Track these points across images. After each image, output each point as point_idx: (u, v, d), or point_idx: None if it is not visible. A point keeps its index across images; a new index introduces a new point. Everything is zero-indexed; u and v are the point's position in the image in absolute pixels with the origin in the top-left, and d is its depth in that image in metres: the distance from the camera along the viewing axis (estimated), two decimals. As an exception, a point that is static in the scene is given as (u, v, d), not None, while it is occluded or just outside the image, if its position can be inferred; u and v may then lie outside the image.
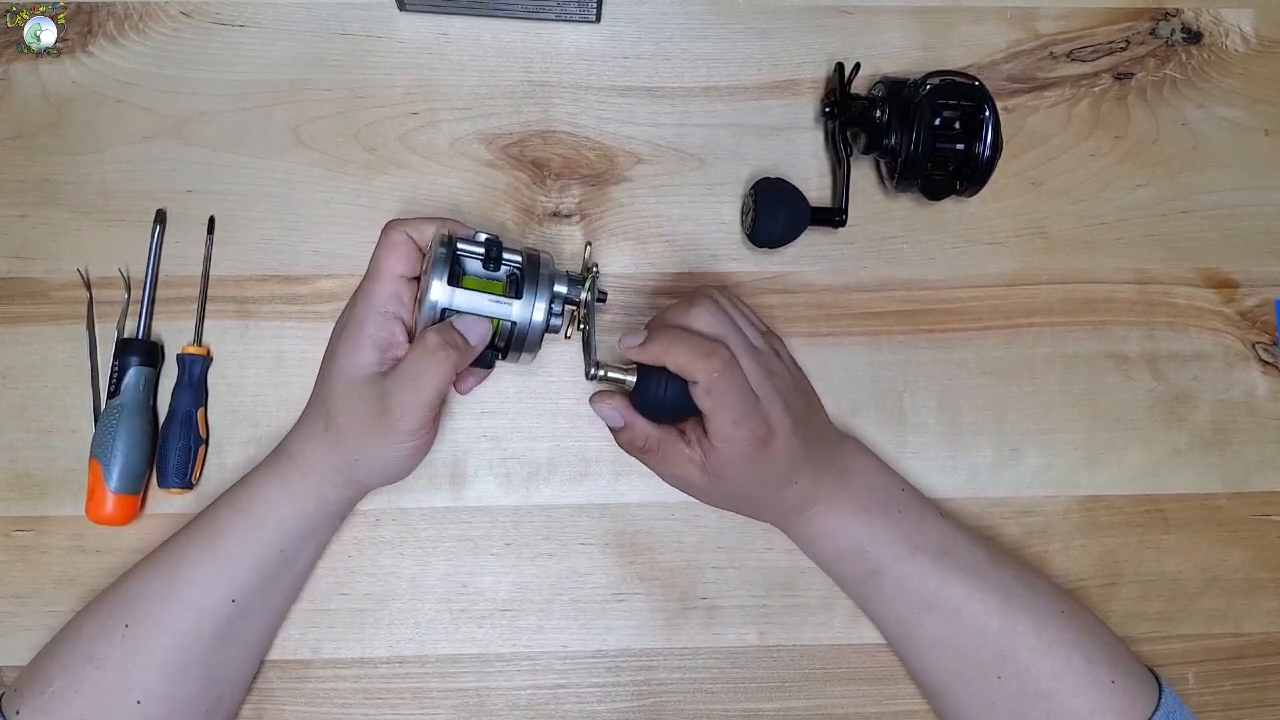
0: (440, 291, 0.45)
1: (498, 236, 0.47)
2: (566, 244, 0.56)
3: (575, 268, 0.51)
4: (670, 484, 0.50)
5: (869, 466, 0.52)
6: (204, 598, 0.46)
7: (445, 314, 0.46)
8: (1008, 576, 0.48)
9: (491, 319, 0.46)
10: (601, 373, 0.47)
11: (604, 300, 0.50)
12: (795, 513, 0.50)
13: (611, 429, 0.50)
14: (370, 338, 0.46)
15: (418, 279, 0.47)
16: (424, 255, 0.47)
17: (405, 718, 0.52)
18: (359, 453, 0.46)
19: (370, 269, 0.47)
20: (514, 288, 0.47)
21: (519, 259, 0.47)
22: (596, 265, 0.49)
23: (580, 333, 0.49)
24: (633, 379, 0.47)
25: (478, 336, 0.45)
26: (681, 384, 0.46)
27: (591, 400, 0.49)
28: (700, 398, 0.45)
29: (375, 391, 0.45)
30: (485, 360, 0.47)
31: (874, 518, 0.49)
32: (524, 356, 0.48)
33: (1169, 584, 0.55)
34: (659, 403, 0.47)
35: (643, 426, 0.48)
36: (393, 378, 0.45)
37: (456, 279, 0.46)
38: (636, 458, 0.50)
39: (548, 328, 0.47)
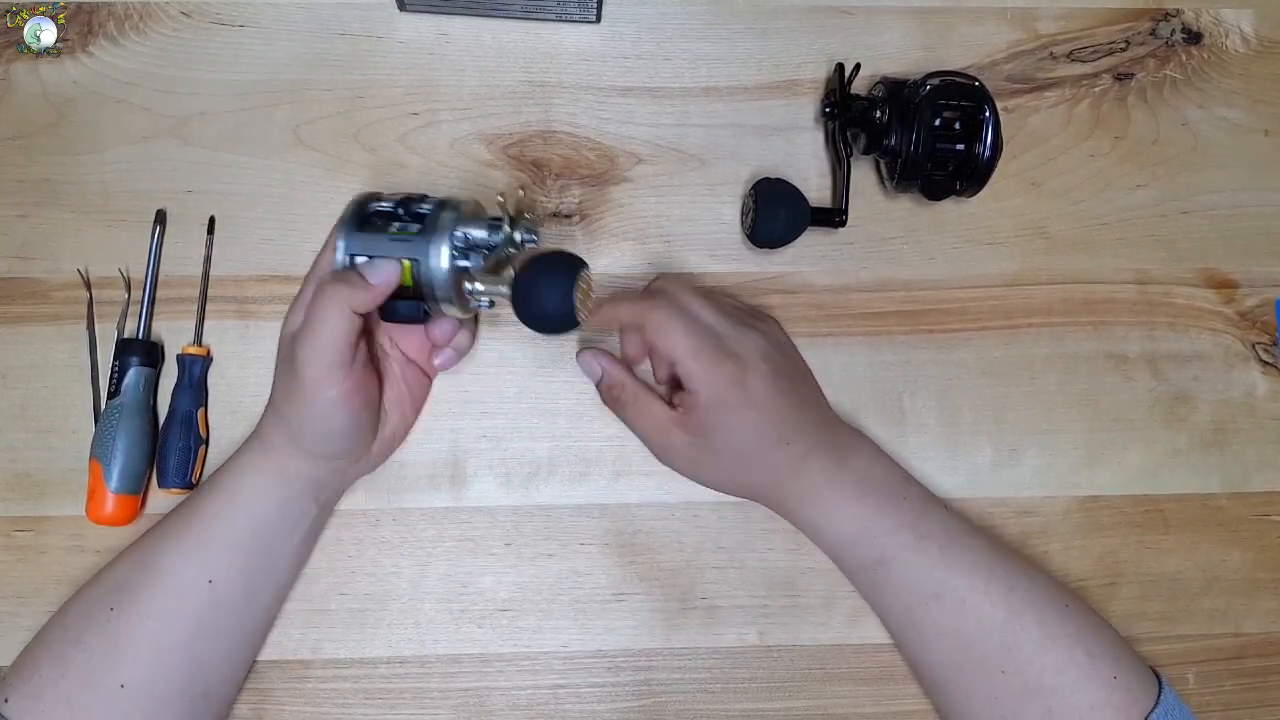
0: (344, 239, 0.45)
1: (426, 194, 0.47)
2: (566, 244, 0.56)
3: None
4: (659, 457, 0.51)
5: (871, 452, 0.52)
6: (181, 579, 0.46)
7: (354, 262, 0.46)
8: (1012, 569, 0.48)
9: (401, 262, 0.45)
10: (479, 286, 0.46)
11: (535, 241, 0.48)
12: (791, 486, 0.50)
13: (594, 383, 0.52)
14: (302, 301, 0.47)
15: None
16: None
17: (405, 718, 0.52)
18: (290, 414, 0.46)
19: (323, 246, 0.50)
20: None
21: (430, 206, 0.47)
22: (504, 196, 0.47)
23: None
24: (505, 289, 0.46)
25: (378, 275, 0.44)
26: (552, 286, 0.44)
27: (578, 356, 0.53)
28: (653, 339, 0.47)
29: (291, 344, 0.45)
30: (409, 312, 0.47)
31: (880, 501, 0.49)
32: (450, 307, 0.47)
33: (1169, 584, 0.55)
34: (534, 298, 0.45)
35: (616, 374, 0.50)
36: (299, 328, 0.45)
37: (373, 230, 0.46)
38: (620, 415, 0.51)
39: (462, 271, 0.46)
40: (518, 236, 0.47)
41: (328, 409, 0.45)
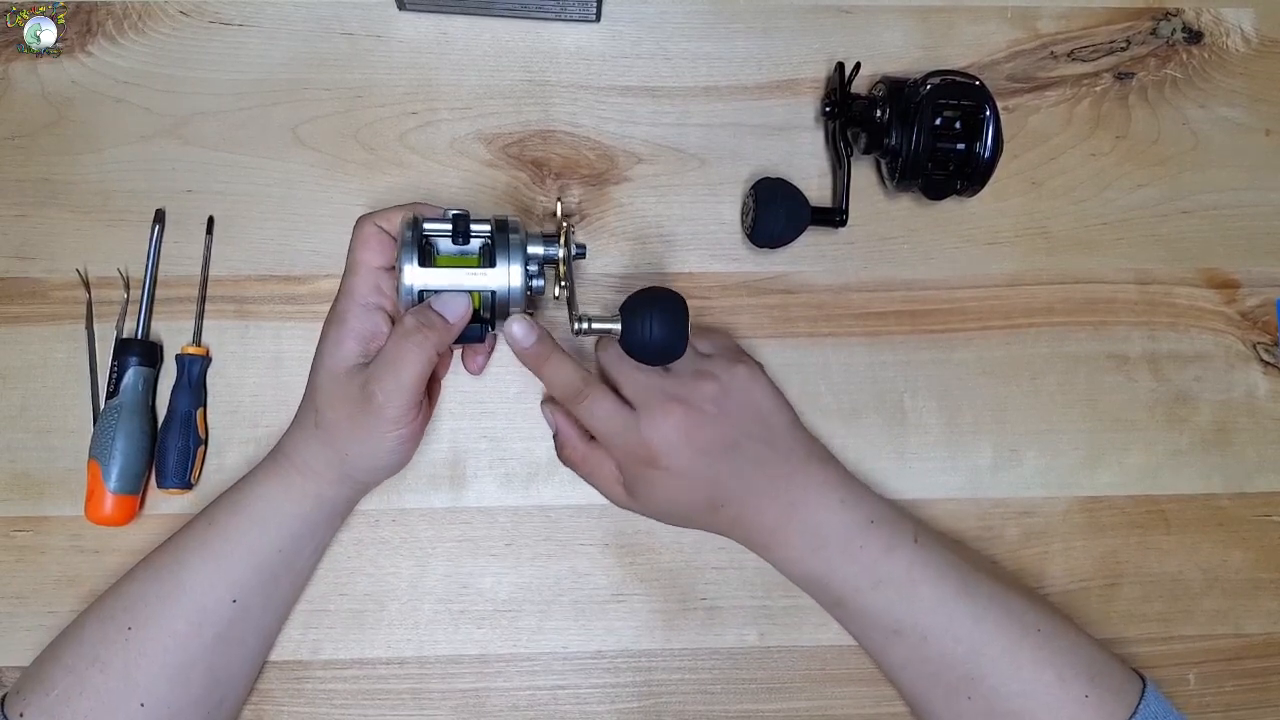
0: (411, 275, 0.45)
1: (466, 211, 0.47)
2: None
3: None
4: (616, 504, 0.51)
5: (829, 501, 0.49)
6: (205, 598, 0.46)
7: (424, 296, 0.46)
8: (981, 600, 0.48)
9: (470, 293, 0.46)
10: (586, 324, 0.47)
11: (583, 254, 0.50)
12: (737, 534, 0.51)
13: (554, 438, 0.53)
14: (352, 331, 0.46)
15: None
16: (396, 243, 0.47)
17: (405, 718, 0.52)
18: (348, 447, 0.46)
19: (347, 265, 0.48)
20: (488, 258, 0.47)
21: (488, 228, 0.47)
22: (567, 221, 0.48)
23: (563, 289, 0.48)
24: (618, 326, 0.47)
25: (456, 313, 0.45)
26: (666, 323, 0.46)
27: (542, 404, 0.53)
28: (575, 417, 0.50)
29: (357, 382, 0.45)
30: (474, 334, 0.47)
31: (831, 555, 0.49)
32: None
33: (1170, 585, 0.55)
34: (646, 343, 0.47)
35: (567, 431, 0.51)
36: (373, 365, 0.45)
37: (428, 259, 0.46)
38: (576, 472, 0.52)
39: (530, 290, 0.47)
40: (573, 250, 0.48)
41: (397, 444, 0.46)
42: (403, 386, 0.44)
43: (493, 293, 0.46)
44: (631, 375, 0.49)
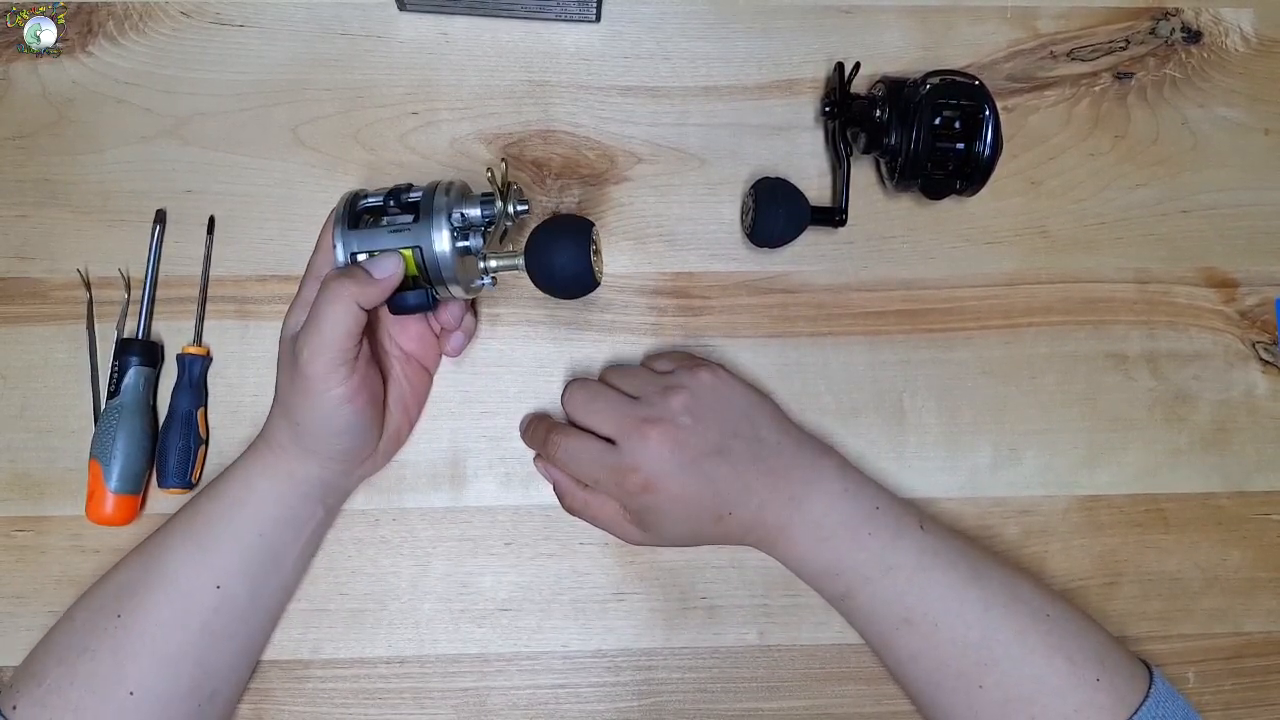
0: (340, 239, 0.45)
1: (411, 184, 0.47)
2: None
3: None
4: (626, 541, 0.51)
5: (832, 491, 0.50)
6: (189, 585, 0.46)
7: (355, 259, 0.46)
8: (991, 586, 0.48)
9: (400, 251, 0.45)
10: (491, 263, 0.47)
11: (527, 209, 0.49)
12: (748, 538, 0.50)
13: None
14: (303, 299, 0.47)
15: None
16: None
17: (405, 718, 0.52)
18: (296, 414, 0.46)
19: (316, 245, 0.49)
20: (417, 217, 0.46)
21: (420, 193, 0.47)
22: (492, 171, 0.47)
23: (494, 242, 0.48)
24: (519, 261, 0.47)
25: (384, 270, 0.45)
26: (566, 249, 0.46)
27: (535, 460, 0.54)
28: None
29: (293, 344, 0.45)
30: (419, 302, 0.46)
31: (839, 544, 0.49)
32: (456, 289, 0.47)
33: (1169, 584, 0.55)
34: (550, 273, 0.47)
35: (566, 484, 0.51)
36: (303, 325, 0.45)
37: (367, 226, 0.46)
38: (584, 519, 0.52)
39: (464, 251, 0.46)
40: (511, 209, 0.48)
41: (333, 407, 0.46)
42: (324, 342, 0.44)
43: (421, 249, 0.45)
44: (601, 414, 0.49)
